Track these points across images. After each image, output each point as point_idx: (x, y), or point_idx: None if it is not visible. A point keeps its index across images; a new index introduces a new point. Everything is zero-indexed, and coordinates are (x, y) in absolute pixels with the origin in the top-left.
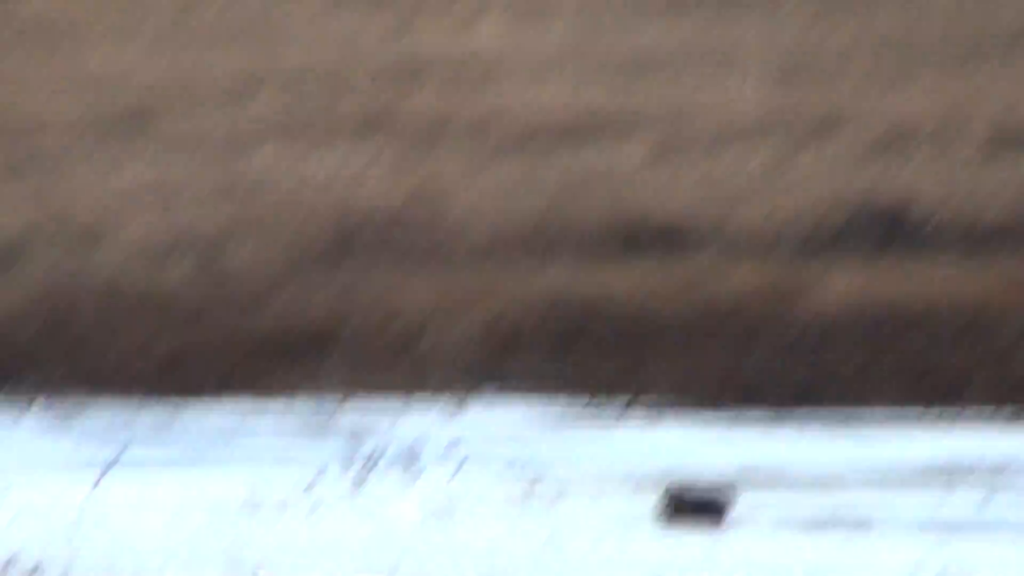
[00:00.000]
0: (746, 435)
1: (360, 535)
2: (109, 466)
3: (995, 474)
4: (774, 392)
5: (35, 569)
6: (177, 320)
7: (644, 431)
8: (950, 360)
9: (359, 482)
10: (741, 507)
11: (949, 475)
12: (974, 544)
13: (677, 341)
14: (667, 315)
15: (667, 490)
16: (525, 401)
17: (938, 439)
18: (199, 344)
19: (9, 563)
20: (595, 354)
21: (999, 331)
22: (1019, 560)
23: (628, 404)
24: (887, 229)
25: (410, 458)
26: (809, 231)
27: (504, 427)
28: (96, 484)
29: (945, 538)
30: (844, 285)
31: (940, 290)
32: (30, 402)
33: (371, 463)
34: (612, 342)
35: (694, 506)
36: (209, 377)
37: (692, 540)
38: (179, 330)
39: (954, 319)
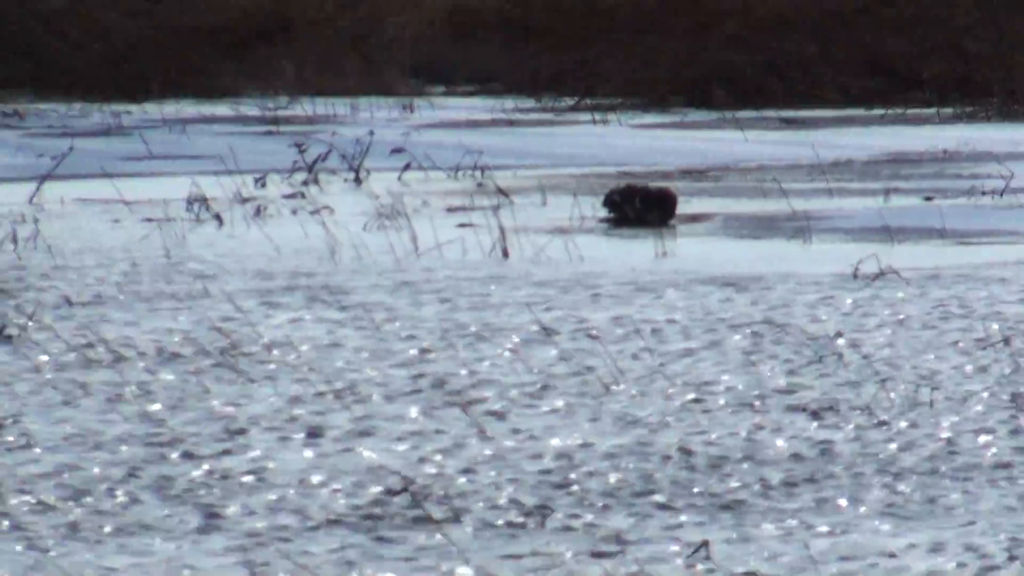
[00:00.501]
0: (695, 136)
1: (304, 234)
2: (51, 169)
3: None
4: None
5: None
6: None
7: (594, 128)
8: (901, 56)
9: (304, 183)
10: (690, 207)
11: (895, 170)
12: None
13: (627, 39)
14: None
15: (613, 189)
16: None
17: (883, 138)
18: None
19: None
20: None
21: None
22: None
23: (576, 104)
24: None
25: (358, 158)
26: None
27: (452, 127)
28: (38, 188)
29: (885, 239)
30: None
31: None
32: None
33: (317, 164)
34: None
35: (642, 204)
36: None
37: (640, 237)
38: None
39: (905, 8)
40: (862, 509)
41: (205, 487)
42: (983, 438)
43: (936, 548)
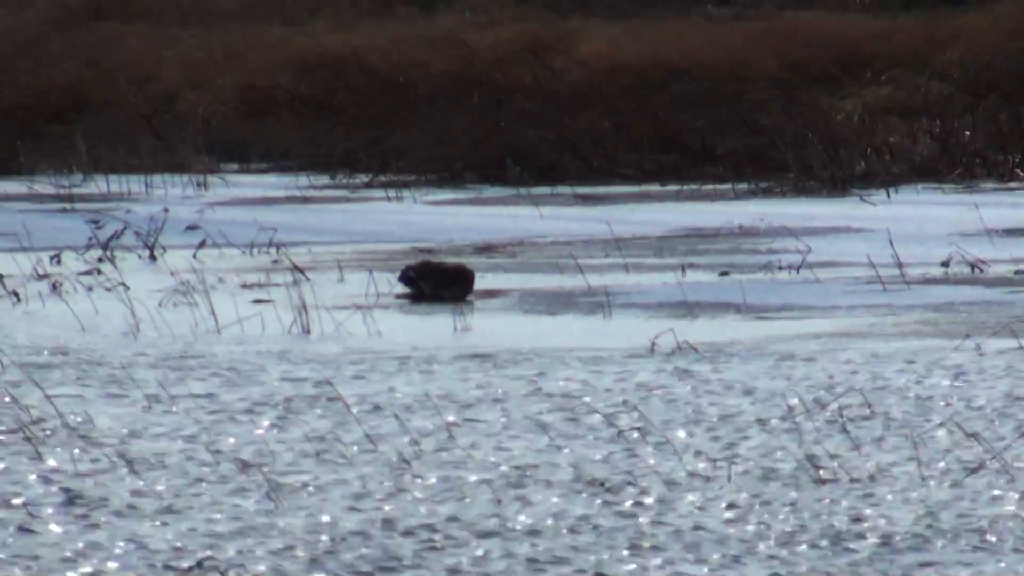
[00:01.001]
0: (491, 212)
1: (103, 311)
2: None
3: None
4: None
5: None
6: None
7: (389, 205)
8: (694, 132)
9: (100, 259)
10: (486, 282)
11: (691, 245)
12: (709, 321)
13: (421, 116)
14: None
15: (409, 266)
16: (269, 176)
17: (679, 214)
18: None
19: None
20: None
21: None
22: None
23: (371, 181)
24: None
25: (153, 234)
26: None
27: (248, 204)
28: None
29: (682, 315)
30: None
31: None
32: None
33: (112, 241)
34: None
35: (438, 280)
36: None
37: (437, 313)
38: None
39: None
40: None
41: None
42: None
43: None
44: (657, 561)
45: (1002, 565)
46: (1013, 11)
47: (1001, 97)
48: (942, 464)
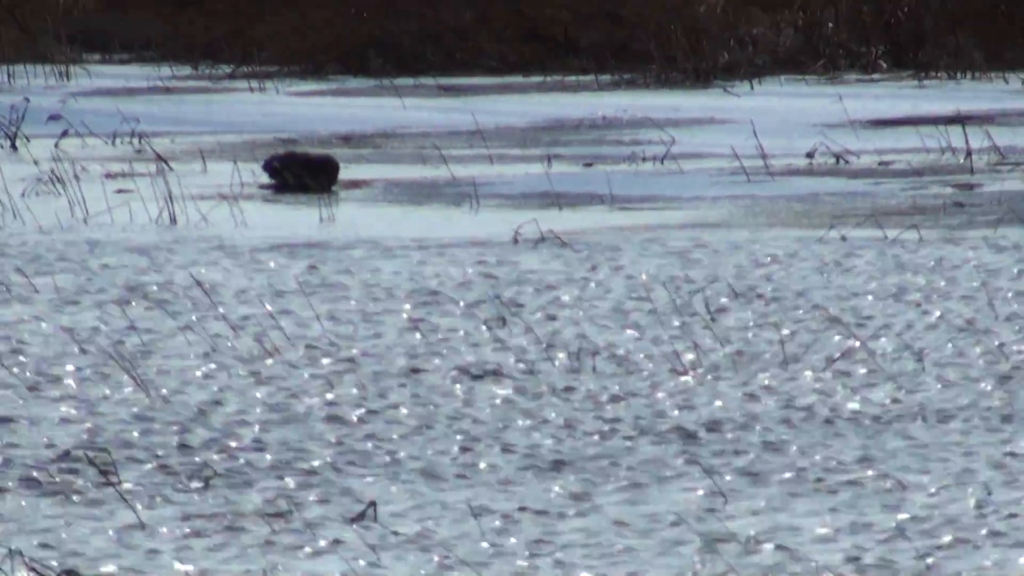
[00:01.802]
0: (354, 103)
1: None
2: None
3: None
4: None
5: None
6: None
7: (252, 96)
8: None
9: None
10: (350, 172)
11: (555, 136)
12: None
13: (283, 7)
14: None
15: (274, 155)
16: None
17: (542, 105)
18: None
19: None
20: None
21: None
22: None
23: (233, 72)
24: None
25: (14, 124)
26: None
27: (110, 94)
28: None
29: (547, 205)
30: None
31: None
32: None
33: None
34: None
35: (303, 170)
36: None
37: (302, 203)
38: None
39: None
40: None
41: None
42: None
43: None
44: (504, 456)
45: (856, 451)
46: None
47: None
48: (806, 353)
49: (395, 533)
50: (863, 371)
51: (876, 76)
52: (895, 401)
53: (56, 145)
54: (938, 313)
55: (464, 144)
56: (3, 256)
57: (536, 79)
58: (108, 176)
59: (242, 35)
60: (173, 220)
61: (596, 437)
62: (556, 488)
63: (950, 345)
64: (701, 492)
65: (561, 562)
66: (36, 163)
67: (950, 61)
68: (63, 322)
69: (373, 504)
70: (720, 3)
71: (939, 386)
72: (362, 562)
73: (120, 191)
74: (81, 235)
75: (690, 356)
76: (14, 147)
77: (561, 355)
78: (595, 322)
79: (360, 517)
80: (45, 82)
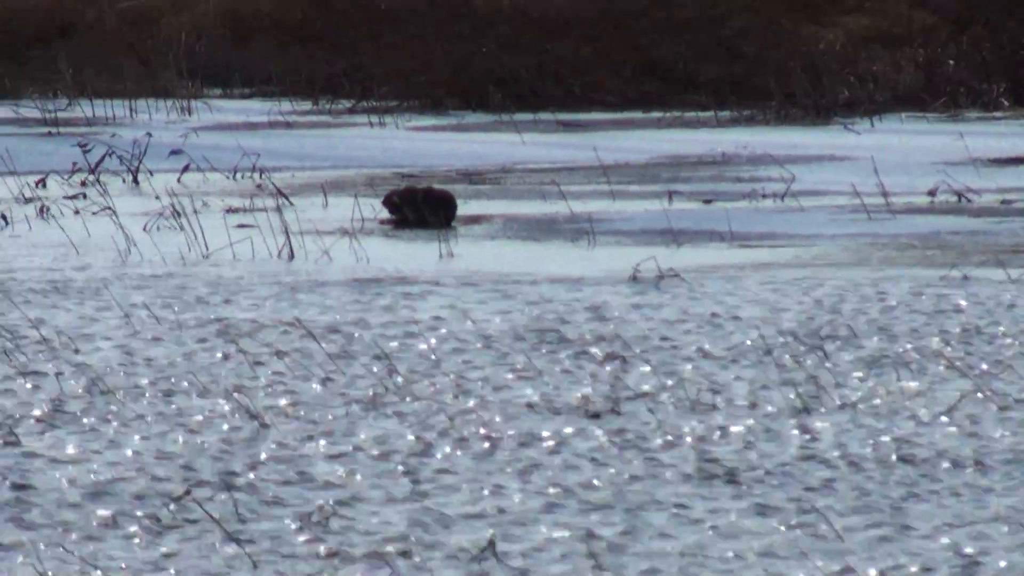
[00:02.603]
0: (473, 138)
1: (87, 234)
2: None
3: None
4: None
5: None
6: None
7: (371, 131)
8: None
9: (83, 183)
10: (469, 208)
11: (674, 172)
12: (692, 249)
13: (403, 42)
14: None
15: (393, 191)
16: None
17: (662, 141)
18: None
19: None
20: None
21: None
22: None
23: (353, 106)
24: None
25: (137, 159)
26: None
27: (231, 129)
28: None
29: (666, 242)
30: None
31: None
32: None
33: (98, 165)
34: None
35: (422, 206)
36: None
37: (421, 239)
38: None
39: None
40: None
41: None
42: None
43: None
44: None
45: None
46: None
47: (985, 26)
48: (927, 393)
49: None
50: (990, 411)
51: (997, 114)
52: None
53: (178, 180)
54: None
55: (583, 180)
56: (128, 289)
57: (655, 115)
58: (229, 211)
59: (362, 70)
60: (292, 255)
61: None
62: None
63: None
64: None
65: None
66: (158, 197)
67: None
68: (179, 360)
69: (492, 543)
70: (840, 40)
71: None
72: None
73: (241, 226)
74: (202, 271)
75: (811, 394)
76: (136, 181)
77: (680, 393)
78: (714, 360)
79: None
80: (167, 117)
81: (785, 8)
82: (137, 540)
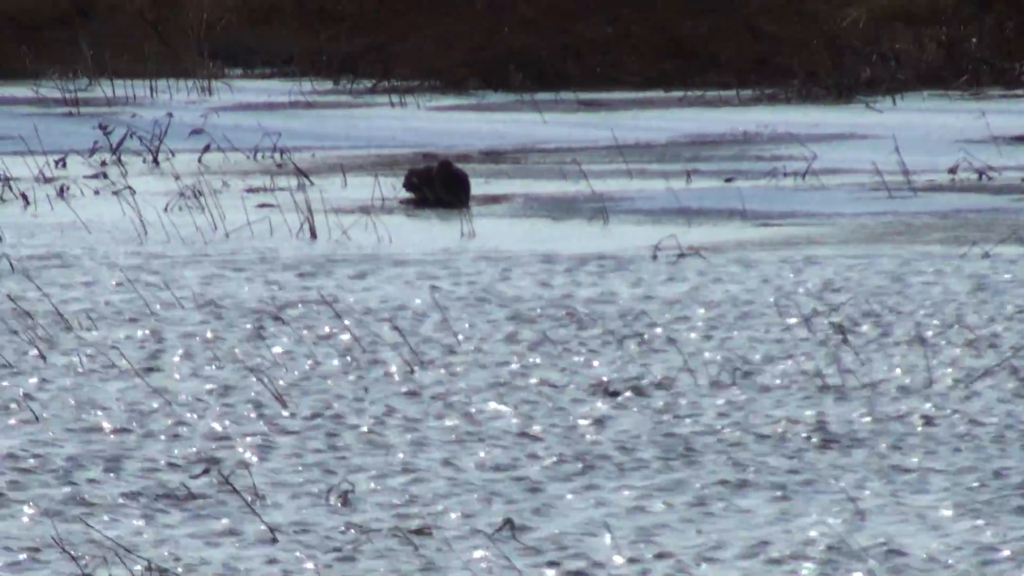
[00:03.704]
0: (494, 118)
1: (108, 214)
2: None
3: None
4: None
5: None
6: None
7: (392, 111)
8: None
9: (104, 163)
10: (490, 187)
11: (695, 151)
12: (712, 227)
13: (423, 22)
14: None
15: (412, 171)
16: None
17: (683, 120)
18: None
19: None
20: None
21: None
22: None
23: (374, 86)
24: None
25: (158, 139)
26: None
27: (251, 109)
28: None
29: (686, 221)
30: None
31: None
32: None
33: (119, 146)
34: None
35: (443, 185)
36: None
37: (441, 218)
38: None
39: None
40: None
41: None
42: (790, 420)
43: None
44: (656, 464)
45: (1010, 463)
46: None
47: (1007, 4)
48: (950, 370)
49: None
50: (1010, 386)
51: (1019, 92)
52: None
53: (199, 160)
54: None
55: (604, 159)
56: (144, 272)
57: (677, 94)
58: (249, 191)
59: (383, 50)
60: (314, 235)
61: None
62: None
63: None
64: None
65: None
66: (178, 178)
67: None
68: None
69: (510, 521)
70: (863, 18)
71: None
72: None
73: (262, 205)
74: (221, 248)
75: (832, 373)
76: (156, 162)
77: (702, 371)
78: (735, 337)
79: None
80: (187, 97)
81: None
82: (152, 517)
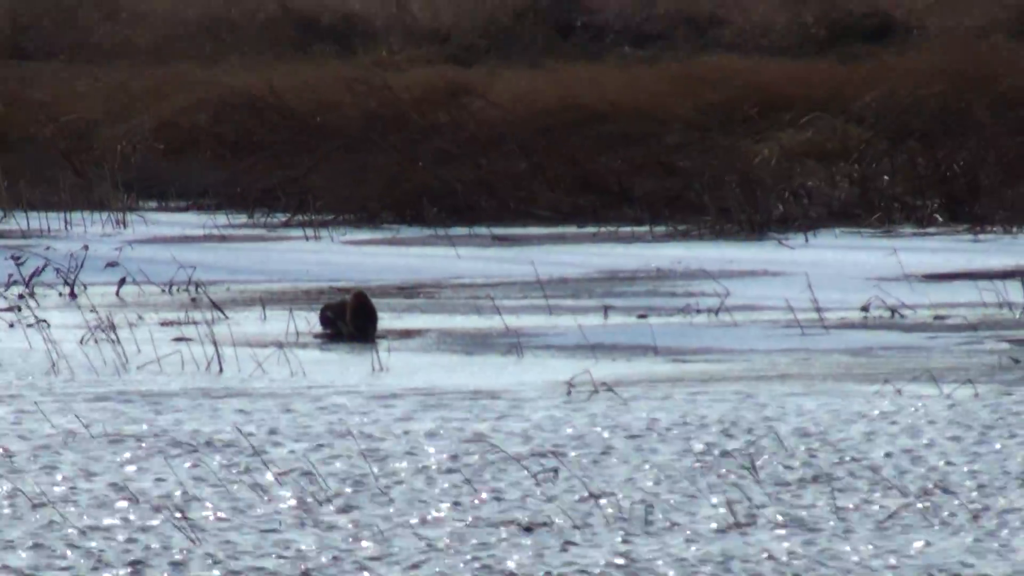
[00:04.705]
0: (408, 252)
1: (23, 349)
2: None
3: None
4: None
5: None
6: None
7: (307, 244)
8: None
9: (20, 296)
10: (399, 323)
11: (609, 287)
12: (626, 364)
13: (337, 155)
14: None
15: (327, 306)
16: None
17: (597, 256)
18: None
19: None
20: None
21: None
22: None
23: (288, 220)
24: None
25: (73, 272)
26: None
27: (166, 242)
28: None
29: (600, 356)
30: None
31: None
32: None
33: (34, 278)
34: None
35: (353, 318)
36: None
37: (354, 352)
38: None
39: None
40: None
41: None
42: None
43: None
44: None
45: None
46: (929, 55)
47: (919, 141)
48: (858, 512)
49: None
50: (914, 529)
51: (931, 230)
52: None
53: (117, 293)
54: (997, 469)
55: (518, 294)
56: (59, 402)
57: (590, 229)
58: (164, 324)
59: (297, 183)
60: (220, 368)
61: None
62: None
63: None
64: None
65: None
66: (94, 310)
67: (1006, 215)
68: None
69: None
70: (775, 155)
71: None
72: None
73: (178, 339)
74: (131, 383)
75: (741, 510)
76: (73, 295)
77: (610, 509)
78: (646, 475)
79: None
80: (102, 229)
81: (720, 124)
82: None
